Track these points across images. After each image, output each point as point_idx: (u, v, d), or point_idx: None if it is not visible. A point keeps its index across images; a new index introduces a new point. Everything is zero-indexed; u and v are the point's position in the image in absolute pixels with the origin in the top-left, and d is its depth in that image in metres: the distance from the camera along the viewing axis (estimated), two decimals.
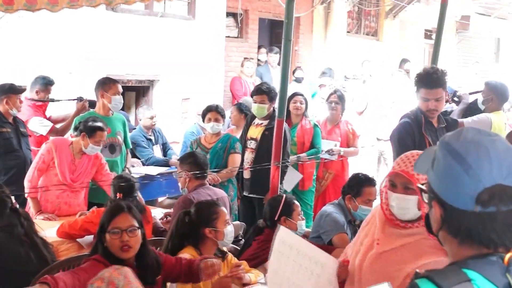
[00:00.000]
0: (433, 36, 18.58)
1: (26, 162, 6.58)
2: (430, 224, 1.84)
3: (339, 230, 4.94)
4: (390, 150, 9.94)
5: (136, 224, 3.71)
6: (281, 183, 5.95)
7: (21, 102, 6.73)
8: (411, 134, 5.12)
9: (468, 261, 1.66)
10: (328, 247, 4.81)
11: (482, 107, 6.70)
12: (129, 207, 3.81)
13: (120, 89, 6.84)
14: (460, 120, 6.47)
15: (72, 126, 6.52)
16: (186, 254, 4.09)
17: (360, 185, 5.21)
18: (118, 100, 6.77)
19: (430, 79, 5.09)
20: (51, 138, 6.74)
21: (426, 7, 17.39)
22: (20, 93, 6.77)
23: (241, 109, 7.97)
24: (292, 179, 7.10)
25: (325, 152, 7.58)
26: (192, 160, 5.71)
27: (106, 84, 6.74)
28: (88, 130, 5.99)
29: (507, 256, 1.63)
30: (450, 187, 1.70)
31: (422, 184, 1.87)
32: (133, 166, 7.49)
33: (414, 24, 17.95)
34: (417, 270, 1.74)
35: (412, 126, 5.16)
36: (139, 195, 5.48)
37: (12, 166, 6.55)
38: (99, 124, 6.09)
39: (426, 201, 1.85)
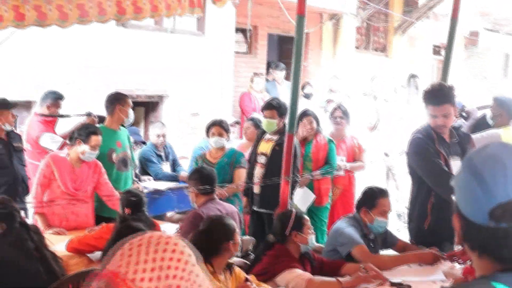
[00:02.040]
0: (442, 52, 18.65)
1: (17, 178, 6.62)
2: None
3: (357, 242, 4.93)
4: (398, 165, 10.00)
5: None
6: (290, 198, 5.95)
7: (13, 117, 6.74)
8: (428, 145, 5.12)
9: (498, 275, 1.65)
10: (342, 262, 4.81)
11: (491, 122, 6.68)
12: (147, 227, 3.83)
13: (131, 104, 6.87)
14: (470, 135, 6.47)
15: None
16: None
17: (374, 197, 5.21)
18: (132, 114, 6.81)
19: (436, 96, 5.10)
20: (48, 154, 6.70)
21: (435, 23, 17.41)
22: (12, 108, 6.77)
23: (257, 124, 7.98)
24: (305, 199, 7.09)
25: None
26: (198, 176, 5.75)
27: (121, 99, 6.77)
28: (83, 136, 6.00)
29: None
30: (467, 201, 1.71)
31: None
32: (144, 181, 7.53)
33: (422, 40, 17.97)
34: (443, 284, 1.73)
35: (426, 142, 5.15)
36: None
37: (1, 183, 6.55)
38: (92, 129, 6.10)
39: None
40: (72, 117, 7.39)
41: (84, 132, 6.03)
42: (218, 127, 6.88)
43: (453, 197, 1.80)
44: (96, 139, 6.06)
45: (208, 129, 6.97)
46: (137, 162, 7.62)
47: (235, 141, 8.44)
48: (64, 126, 7.46)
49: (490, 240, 1.64)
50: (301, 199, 6.96)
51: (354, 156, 7.94)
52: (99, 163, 6.29)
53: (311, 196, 7.19)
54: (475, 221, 1.67)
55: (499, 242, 1.63)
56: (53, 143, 7.07)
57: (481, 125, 6.85)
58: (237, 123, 9.55)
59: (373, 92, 12.51)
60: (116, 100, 6.74)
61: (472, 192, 1.68)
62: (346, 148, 7.89)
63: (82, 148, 6.00)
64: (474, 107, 7.33)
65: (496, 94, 7.83)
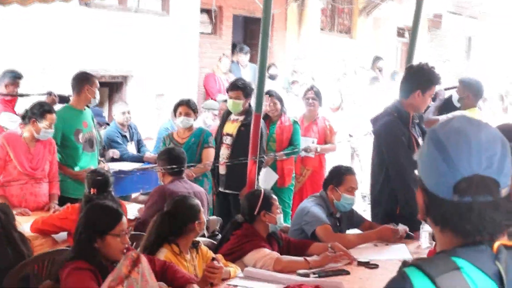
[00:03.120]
0: (406, 34, 18.77)
1: None
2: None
3: (322, 222, 4.94)
4: (363, 146, 10.06)
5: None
6: (257, 179, 5.94)
7: None
8: (401, 131, 5.13)
9: (457, 249, 1.65)
10: (309, 242, 4.82)
11: (457, 104, 6.73)
12: (121, 210, 3.87)
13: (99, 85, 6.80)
14: (435, 117, 6.50)
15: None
16: (165, 250, 4.06)
17: (341, 174, 5.23)
18: (99, 95, 6.74)
19: (435, 77, 5.19)
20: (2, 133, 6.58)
21: (399, 5, 17.49)
22: None
23: None
24: (268, 179, 7.10)
25: (302, 149, 7.58)
26: (166, 157, 5.74)
27: (90, 79, 6.63)
28: (37, 115, 5.90)
29: (496, 244, 1.62)
30: (431, 175, 1.70)
31: None
32: (112, 159, 7.47)
33: (387, 22, 18.05)
34: (405, 259, 1.73)
35: (398, 123, 5.16)
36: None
37: None
38: (47, 107, 6.01)
39: None
40: (32, 96, 7.23)
41: (39, 110, 5.91)
42: (185, 106, 6.82)
43: (416, 172, 1.80)
44: (51, 117, 5.96)
45: (176, 109, 6.92)
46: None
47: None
48: (25, 105, 7.34)
49: (454, 214, 1.64)
50: (264, 179, 6.96)
51: (326, 137, 7.95)
52: (53, 141, 6.21)
53: (274, 176, 7.19)
54: (439, 195, 1.67)
55: (463, 216, 1.63)
56: (11, 123, 6.92)
57: (447, 106, 6.89)
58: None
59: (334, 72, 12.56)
60: (84, 80, 6.61)
61: (436, 166, 1.68)
62: (318, 129, 7.90)
63: (36, 127, 5.90)
64: (442, 88, 7.37)
65: (462, 76, 7.90)
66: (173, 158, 5.69)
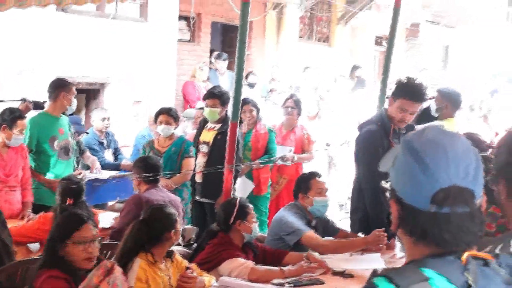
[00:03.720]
0: (384, 43, 18.85)
1: None
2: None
3: (303, 231, 4.95)
4: (340, 155, 10.07)
5: (97, 235, 3.73)
6: (233, 188, 5.93)
7: None
8: (380, 142, 5.11)
9: (426, 260, 1.65)
10: (284, 251, 4.81)
11: (435, 114, 6.74)
12: (89, 216, 3.80)
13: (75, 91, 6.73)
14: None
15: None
16: (139, 259, 4.03)
17: (307, 180, 5.31)
18: (75, 102, 6.68)
19: (417, 93, 5.08)
20: None
21: (377, 14, 17.58)
22: None
23: None
24: (245, 188, 7.08)
25: (279, 158, 7.56)
26: (142, 165, 5.74)
27: (66, 86, 6.59)
28: (8, 121, 5.85)
29: (465, 255, 1.63)
30: (407, 186, 1.70)
31: (386, 182, 1.85)
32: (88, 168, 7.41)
33: (365, 30, 18.13)
34: (375, 269, 1.73)
35: (380, 134, 5.16)
36: None
37: None
38: (17, 113, 5.96)
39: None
40: (5, 102, 7.14)
41: (9, 117, 5.87)
42: (166, 115, 6.78)
43: (387, 183, 1.80)
44: (22, 123, 5.92)
45: (156, 117, 6.87)
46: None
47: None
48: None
49: (432, 225, 1.64)
50: (240, 188, 6.95)
51: (303, 146, 7.96)
52: (25, 147, 6.16)
53: (250, 185, 7.18)
54: (416, 206, 1.67)
55: (441, 227, 1.63)
56: None
57: (424, 117, 6.91)
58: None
59: (306, 82, 12.55)
60: (60, 87, 6.56)
61: (413, 177, 1.68)
62: (295, 138, 7.90)
63: (8, 134, 5.85)
64: None
65: (440, 86, 7.92)
66: (149, 166, 5.68)
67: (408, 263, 1.71)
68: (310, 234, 4.96)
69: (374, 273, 1.68)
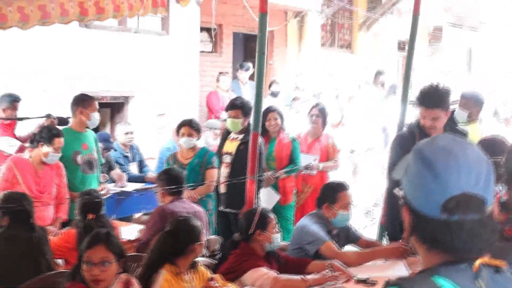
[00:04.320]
0: (407, 48, 18.73)
1: None
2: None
3: (324, 240, 4.96)
4: (365, 162, 10.06)
5: (111, 257, 3.69)
6: (256, 197, 5.95)
7: None
8: (405, 149, 5.11)
9: (438, 268, 1.66)
10: (308, 260, 4.82)
11: (458, 119, 6.68)
12: (107, 237, 3.77)
13: (97, 106, 6.78)
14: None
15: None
16: (164, 271, 4.08)
17: (334, 191, 5.26)
18: (96, 117, 6.71)
19: (428, 99, 5.12)
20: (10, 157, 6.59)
21: (399, 19, 17.54)
22: None
23: None
24: (270, 199, 7.07)
25: (304, 167, 7.55)
26: (166, 177, 5.75)
27: (85, 101, 6.65)
28: (46, 139, 5.95)
29: (477, 262, 1.63)
30: (419, 194, 1.71)
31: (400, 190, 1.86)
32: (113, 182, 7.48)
33: (387, 36, 18.09)
34: (389, 278, 1.74)
35: (407, 140, 5.18)
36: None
37: None
38: (55, 131, 6.05)
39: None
40: (31, 119, 7.25)
41: (47, 134, 5.98)
42: (188, 127, 6.81)
43: (400, 190, 1.81)
44: (59, 141, 6.01)
45: (178, 129, 6.91)
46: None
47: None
48: (25, 128, 7.37)
49: (443, 232, 1.65)
50: (266, 199, 6.95)
51: (328, 155, 7.92)
52: (61, 164, 6.24)
53: (276, 196, 7.17)
54: (427, 213, 1.68)
55: (453, 234, 1.64)
56: (9, 147, 6.94)
57: (449, 121, 6.86)
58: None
59: (329, 89, 12.55)
60: (78, 102, 6.63)
61: (424, 185, 1.69)
62: (320, 147, 7.87)
63: (45, 150, 5.94)
64: None
65: (464, 90, 7.87)
66: (172, 178, 5.71)
67: (421, 271, 1.72)
68: (329, 244, 4.96)
69: (387, 283, 1.70)
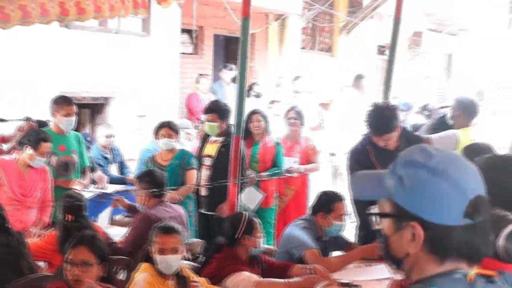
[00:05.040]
0: (386, 52, 18.84)
1: None
2: (389, 251, 1.78)
3: (309, 246, 4.96)
4: (345, 165, 10.09)
5: (92, 259, 3.76)
6: (239, 199, 5.93)
7: None
8: (361, 164, 5.18)
9: (433, 280, 1.65)
10: (290, 264, 4.82)
11: (450, 122, 6.73)
12: (90, 240, 3.84)
13: (74, 110, 6.63)
14: (427, 136, 6.51)
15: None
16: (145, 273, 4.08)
17: (330, 201, 5.26)
18: (69, 122, 6.57)
19: (378, 128, 5.18)
20: None
21: (379, 23, 17.62)
22: None
23: None
24: (252, 198, 7.08)
25: (285, 170, 7.56)
26: (150, 179, 5.70)
27: (58, 105, 6.56)
28: (32, 142, 5.88)
29: (472, 272, 1.63)
30: (438, 205, 1.65)
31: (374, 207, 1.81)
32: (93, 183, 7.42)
33: (367, 40, 18.16)
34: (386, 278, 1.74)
35: (362, 154, 5.23)
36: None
37: None
38: (43, 135, 5.99)
39: (384, 226, 1.78)
40: (9, 121, 7.13)
41: (34, 138, 5.90)
42: (167, 128, 6.81)
43: (376, 209, 1.78)
44: (46, 146, 5.95)
45: (157, 131, 6.89)
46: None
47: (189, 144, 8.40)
48: (4, 130, 7.28)
49: (463, 238, 1.64)
50: (249, 198, 6.95)
51: (308, 157, 7.94)
52: (48, 169, 6.19)
53: (258, 195, 7.17)
54: (447, 223, 1.65)
55: (469, 238, 1.64)
56: None
57: (441, 125, 6.89)
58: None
59: (296, 91, 12.56)
60: (52, 104, 6.59)
61: (444, 194, 1.65)
62: (301, 149, 7.89)
63: (30, 154, 5.88)
64: (436, 107, 7.35)
65: (457, 95, 7.93)
66: (156, 180, 5.67)
67: (416, 282, 1.71)
68: (313, 251, 4.97)
69: None
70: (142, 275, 4.08)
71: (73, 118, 6.63)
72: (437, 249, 1.68)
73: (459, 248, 1.65)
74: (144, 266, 4.17)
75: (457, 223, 1.64)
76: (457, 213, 1.64)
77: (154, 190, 5.56)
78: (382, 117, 5.16)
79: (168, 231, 4.20)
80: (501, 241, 2.57)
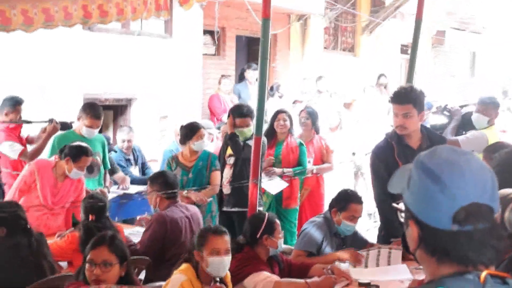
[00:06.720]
0: (409, 51, 18.74)
1: None
2: (407, 243, 1.83)
3: (302, 247, 5.16)
4: (367, 165, 10.06)
5: (113, 260, 3.77)
6: (259, 201, 5.96)
7: None
8: (384, 161, 5.17)
9: (444, 280, 1.66)
10: (310, 264, 4.84)
11: (480, 123, 6.68)
12: (111, 240, 3.84)
13: (98, 124, 6.88)
14: (455, 138, 6.48)
15: (50, 147, 6.48)
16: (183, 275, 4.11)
17: (347, 200, 5.24)
18: (90, 132, 6.81)
19: (399, 95, 5.14)
20: (35, 160, 6.53)
21: (402, 22, 17.55)
22: None
23: None
24: (277, 185, 7.11)
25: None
26: (163, 180, 5.62)
27: (85, 113, 6.79)
28: (73, 155, 5.93)
29: (483, 274, 1.63)
30: (427, 207, 1.70)
31: (398, 204, 1.86)
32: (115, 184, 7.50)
33: (390, 39, 18.09)
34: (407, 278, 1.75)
35: (385, 151, 5.21)
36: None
37: None
38: (84, 149, 6.03)
39: (403, 220, 1.84)
40: (34, 123, 7.19)
41: (76, 151, 5.95)
42: (202, 130, 6.78)
43: (399, 204, 1.81)
44: (86, 160, 6.00)
45: (195, 132, 6.70)
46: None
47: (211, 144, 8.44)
48: (28, 131, 7.37)
49: (455, 243, 1.65)
50: (273, 185, 6.98)
51: (322, 157, 7.94)
52: (83, 180, 6.25)
53: (283, 184, 7.17)
54: (436, 226, 1.67)
55: (464, 244, 1.64)
56: (12, 152, 6.89)
57: (465, 126, 6.86)
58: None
59: (304, 93, 12.56)
60: (82, 110, 6.83)
61: (432, 197, 1.68)
62: (314, 149, 7.89)
63: (70, 166, 5.94)
64: (457, 107, 7.29)
65: (482, 94, 7.91)
66: (169, 182, 5.63)
67: (427, 283, 1.72)
68: (298, 253, 5.13)
69: None
70: (179, 276, 4.06)
71: (96, 130, 6.83)
72: (431, 250, 1.71)
73: (452, 252, 1.66)
74: (185, 266, 4.15)
75: (447, 228, 1.65)
76: (445, 218, 1.65)
77: (167, 191, 5.53)
78: (409, 89, 5.18)
79: (220, 231, 4.16)
80: (507, 214, 2.60)
